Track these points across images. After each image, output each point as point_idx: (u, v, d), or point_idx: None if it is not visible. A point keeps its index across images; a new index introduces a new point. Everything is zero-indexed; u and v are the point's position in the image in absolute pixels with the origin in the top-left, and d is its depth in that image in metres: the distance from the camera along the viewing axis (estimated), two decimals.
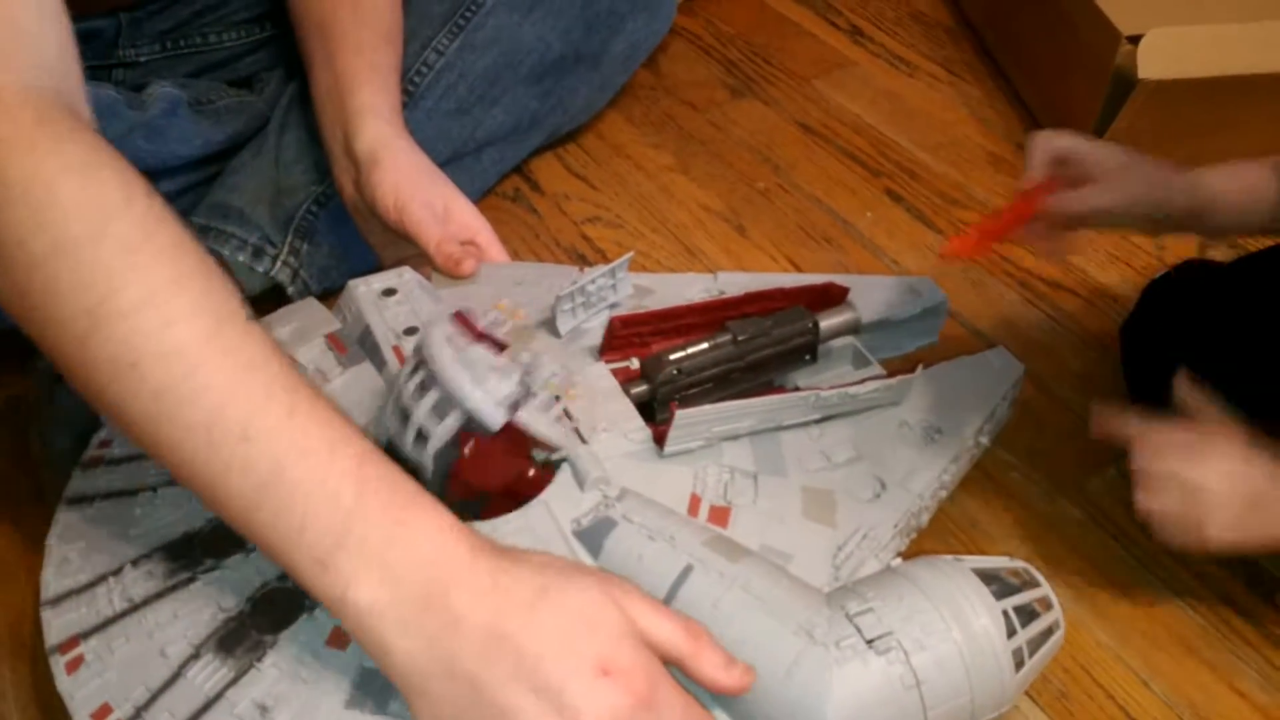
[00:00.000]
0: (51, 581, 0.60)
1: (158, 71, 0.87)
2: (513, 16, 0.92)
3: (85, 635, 0.57)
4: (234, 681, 0.53)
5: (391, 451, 0.57)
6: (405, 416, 0.58)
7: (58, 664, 0.56)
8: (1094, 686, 0.65)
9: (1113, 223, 0.72)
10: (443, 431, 0.57)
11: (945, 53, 1.20)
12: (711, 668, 0.51)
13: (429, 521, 0.50)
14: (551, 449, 0.60)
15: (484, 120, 0.92)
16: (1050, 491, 0.75)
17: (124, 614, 0.57)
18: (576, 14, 0.96)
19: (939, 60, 1.19)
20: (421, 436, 0.57)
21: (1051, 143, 0.70)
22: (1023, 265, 0.93)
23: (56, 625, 0.58)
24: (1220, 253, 0.91)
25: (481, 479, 0.58)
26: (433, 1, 0.91)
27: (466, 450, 0.57)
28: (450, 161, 0.91)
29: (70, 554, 0.61)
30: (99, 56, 0.85)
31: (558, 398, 0.62)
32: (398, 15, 0.83)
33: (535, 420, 0.59)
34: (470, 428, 0.57)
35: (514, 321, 0.70)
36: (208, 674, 0.54)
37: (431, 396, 0.57)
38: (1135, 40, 0.93)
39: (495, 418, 0.57)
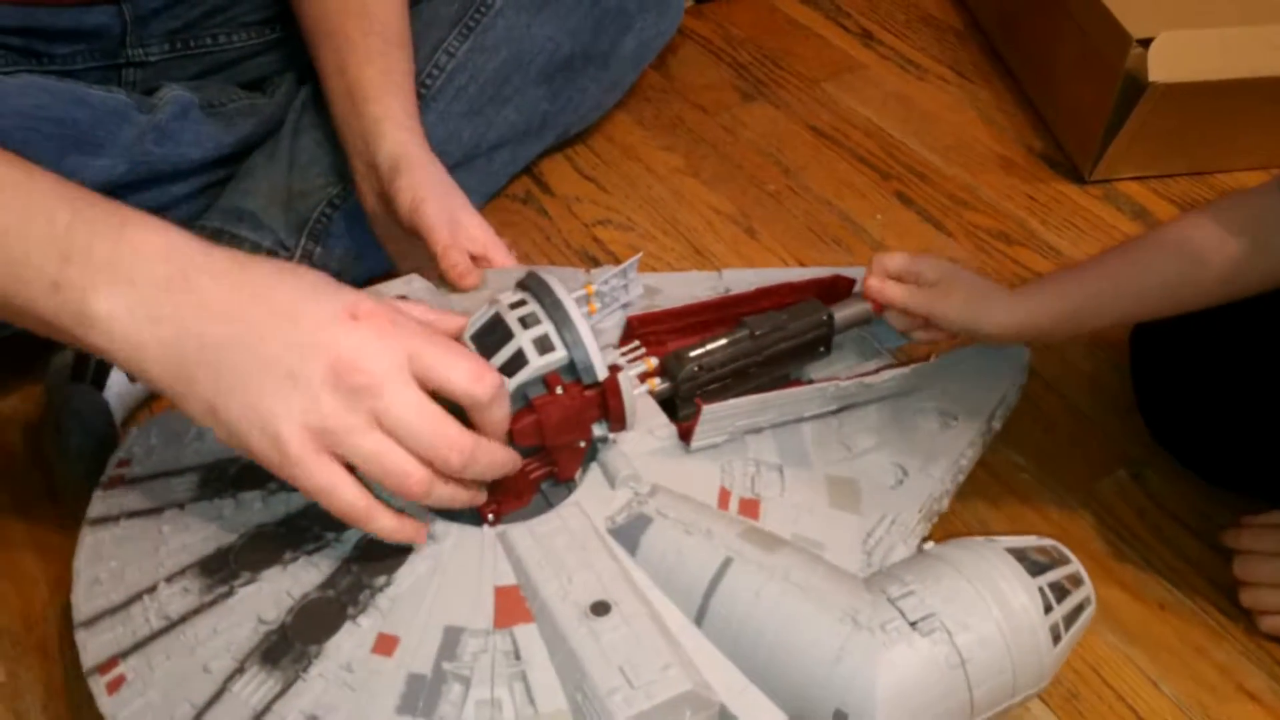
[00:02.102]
0: (83, 603, 0.59)
1: (168, 72, 0.88)
2: (522, 17, 0.92)
3: (124, 655, 0.56)
4: (281, 694, 0.53)
5: None
6: (500, 339, 0.58)
7: (98, 685, 0.56)
8: (1104, 687, 0.65)
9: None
10: (542, 363, 0.57)
11: (955, 55, 1.20)
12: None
13: (153, 223, 0.51)
14: (619, 424, 0.61)
15: (495, 121, 0.93)
16: (1060, 494, 0.75)
17: (163, 631, 0.57)
18: (585, 13, 0.96)
19: (949, 63, 1.18)
20: (518, 360, 0.57)
21: (884, 265, 0.71)
22: (1033, 268, 0.93)
23: (93, 646, 0.57)
24: None
25: (551, 427, 0.58)
26: (442, 3, 0.91)
27: (551, 392, 0.58)
28: (463, 163, 0.91)
29: (100, 574, 0.60)
30: (109, 56, 0.85)
31: (641, 377, 0.65)
32: (405, 20, 0.83)
33: (628, 386, 0.60)
34: (565, 373, 0.58)
35: None
36: (254, 687, 0.54)
37: (540, 329, 0.58)
38: (1145, 43, 0.93)
39: (601, 369, 0.59)
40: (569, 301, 0.59)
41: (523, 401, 0.58)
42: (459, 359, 0.53)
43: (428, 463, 0.52)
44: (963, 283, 0.70)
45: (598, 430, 0.61)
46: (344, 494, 0.51)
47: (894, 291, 0.71)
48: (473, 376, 0.52)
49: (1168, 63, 0.92)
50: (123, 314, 0.49)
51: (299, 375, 0.49)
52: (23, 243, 0.49)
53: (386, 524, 0.53)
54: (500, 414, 0.54)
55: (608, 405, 0.59)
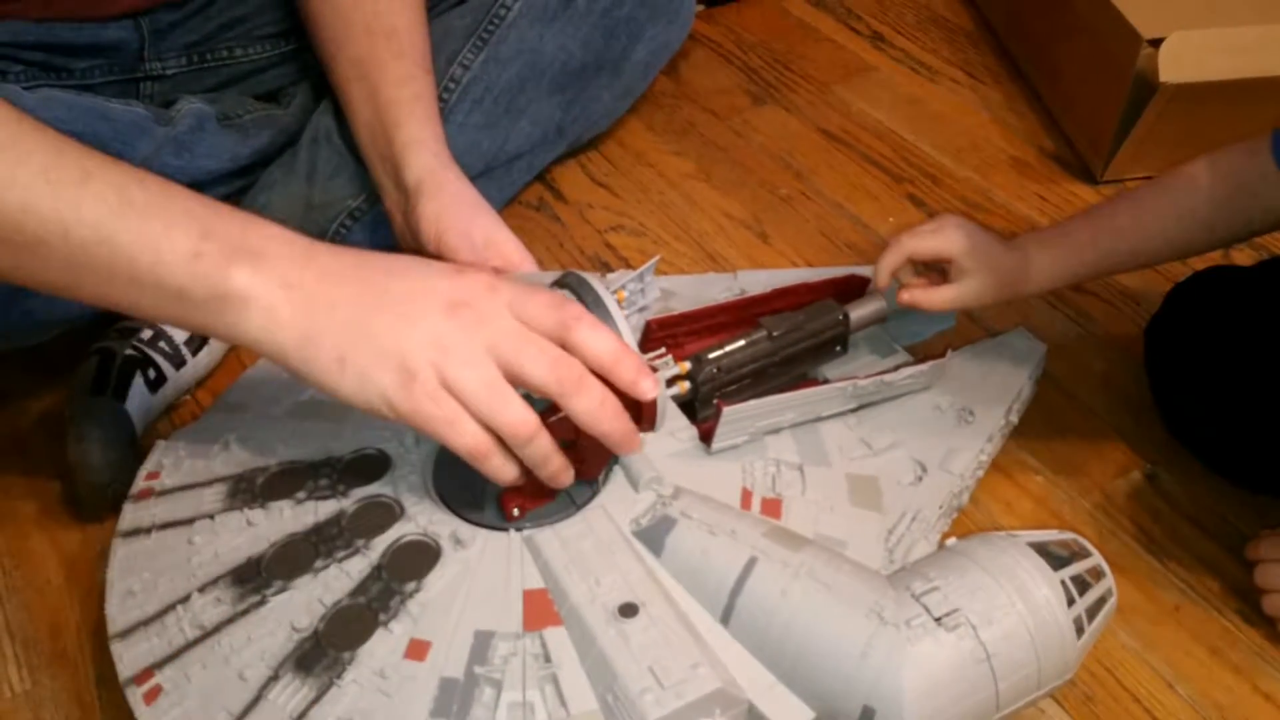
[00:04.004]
0: (117, 615, 0.60)
1: (185, 85, 0.88)
2: (534, 28, 0.93)
3: (159, 665, 0.57)
4: (316, 700, 0.54)
5: None
6: None
7: (135, 696, 0.56)
8: (1119, 689, 0.65)
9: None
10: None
11: (966, 57, 1.20)
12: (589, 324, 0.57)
13: (269, 219, 0.57)
14: (649, 425, 0.61)
15: (512, 132, 0.93)
16: (1073, 495, 0.76)
17: (197, 641, 0.57)
18: (596, 22, 0.97)
19: (960, 64, 1.19)
20: None
21: (904, 250, 0.73)
22: None
23: (129, 658, 0.58)
24: (1244, 256, 0.91)
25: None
26: (455, 16, 0.92)
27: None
28: (482, 175, 0.92)
29: (133, 586, 0.61)
30: (127, 70, 0.86)
31: (671, 381, 0.66)
32: (428, 42, 0.84)
33: (662, 387, 0.60)
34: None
35: None
36: (289, 695, 0.54)
37: None
38: (1156, 44, 0.93)
39: None
40: (610, 299, 0.59)
41: None
42: (547, 299, 0.57)
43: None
44: (981, 260, 0.71)
45: None
46: (467, 426, 0.54)
47: (935, 299, 0.72)
48: (557, 313, 0.56)
49: (1178, 63, 0.93)
50: (259, 283, 0.54)
51: (417, 314, 0.55)
52: (166, 221, 0.54)
53: (498, 464, 0.56)
54: (588, 341, 0.56)
55: (640, 405, 0.60)
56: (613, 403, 0.56)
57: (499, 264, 0.73)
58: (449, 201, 0.75)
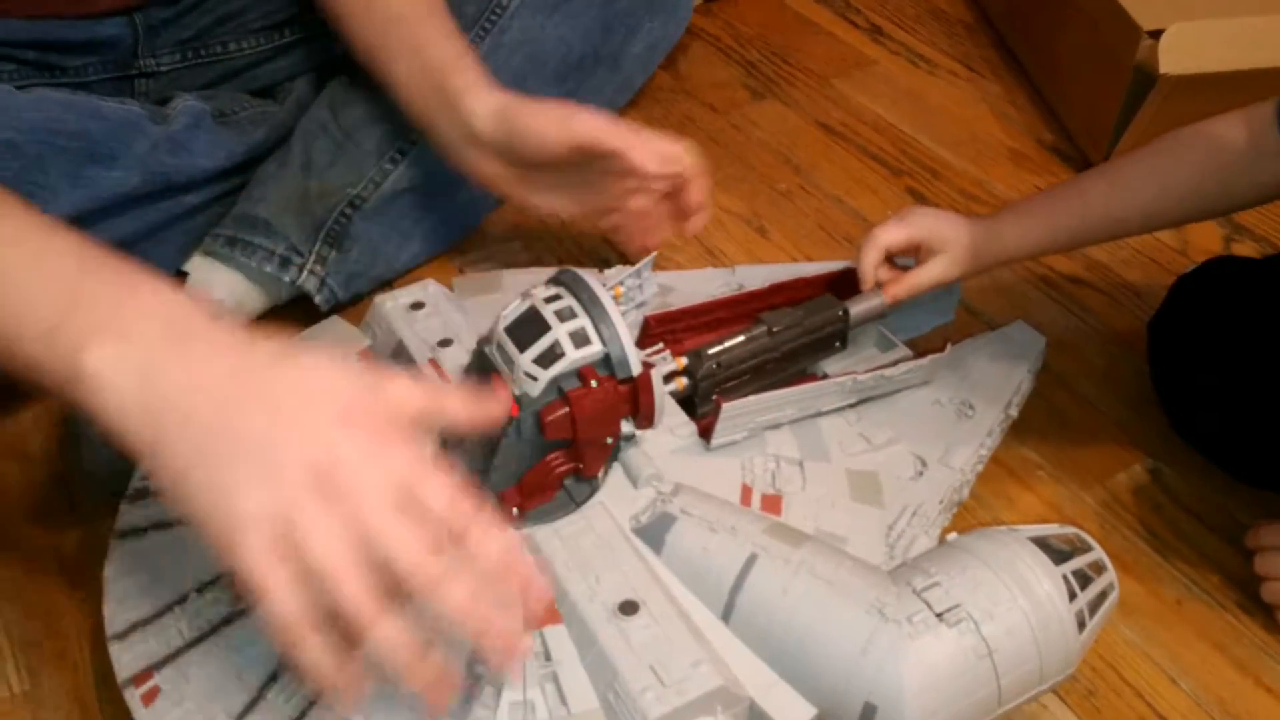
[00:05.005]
0: (115, 616, 0.60)
1: (179, 82, 0.88)
2: (536, 18, 0.92)
3: (158, 666, 0.57)
4: (316, 700, 0.54)
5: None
6: (536, 332, 0.58)
7: (133, 697, 0.56)
8: (1122, 684, 0.65)
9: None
10: (579, 356, 0.58)
11: (965, 50, 1.20)
12: (455, 407, 0.52)
13: (160, 287, 0.50)
14: (646, 422, 0.61)
15: None
16: (1075, 489, 0.76)
17: (195, 641, 0.57)
18: (595, 15, 0.96)
19: (959, 57, 1.19)
20: (552, 354, 0.58)
21: (878, 243, 0.75)
22: (1044, 261, 0.93)
23: (126, 659, 0.58)
24: (1247, 248, 0.91)
25: (584, 420, 0.59)
26: (458, 4, 0.91)
27: (585, 385, 0.58)
28: None
29: (130, 586, 0.61)
30: (121, 67, 0.85)
31: (668, 377, 0.66)
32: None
33: (658, 383, 0.61)
34: (600, 367, 0.59)
35: None
36: (288, 695, 0.54)
37: (576, 323, 0.58)
38: (1156, 35, 0.93)
39: (636, 364, 0.59)
40: (606, 297, 0.59)
41: (556, 394, 0.58)
42: (439, 485, 0.48)
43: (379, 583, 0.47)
44: (948, 236, 0.74)
45: (625, 427, 0.61)
46: (282, 599, 0.46)
47: (911, 283, 0.74)
48: (447, 505, 0.48)
49: (1178, 55, 0.92)
50: (114, 368, 0.48)
51: (276, 466, 0.47)
52: (29, 287, 0.49)
53: (313, 653, 0.46)
54: (482, 546, 0.48)
55: (638, 401, 0.60)
56: (487, 602, 0.48)
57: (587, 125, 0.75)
58: (538, 103, 0.76)
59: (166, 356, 0.48)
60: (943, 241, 0.74)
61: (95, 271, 0.50)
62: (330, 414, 0.48)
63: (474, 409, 0.53)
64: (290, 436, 0.47)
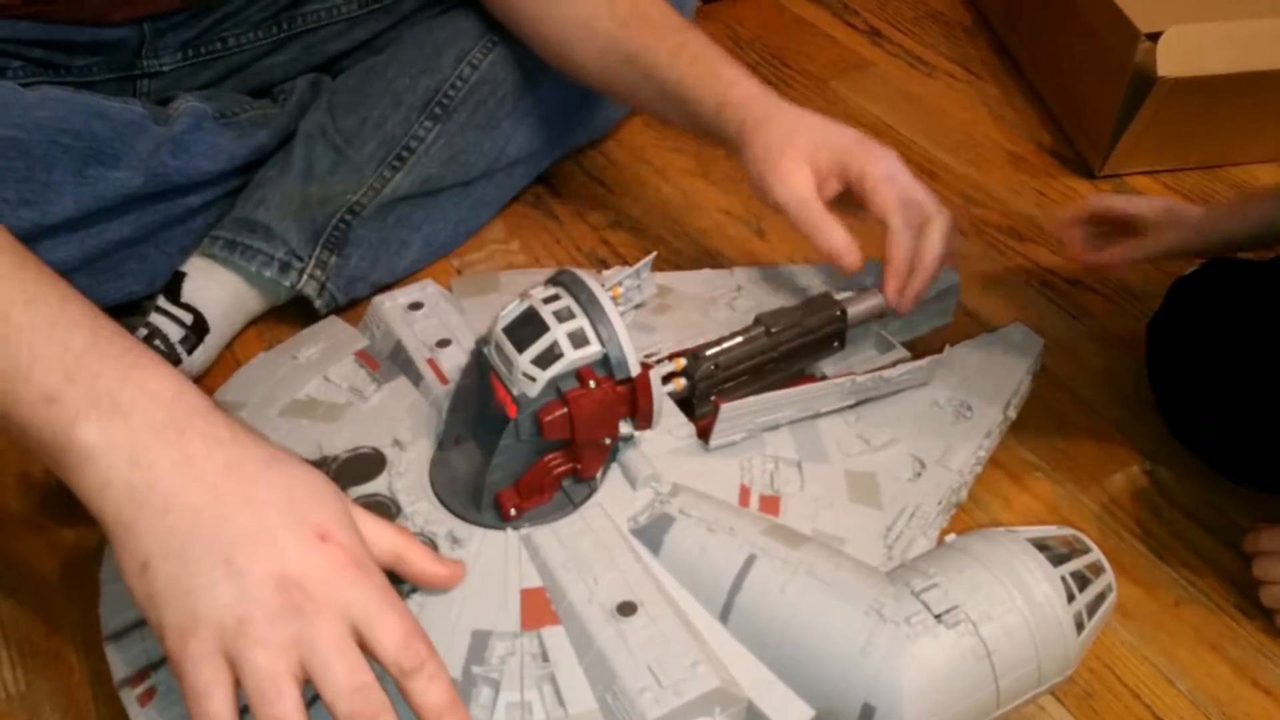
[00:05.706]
0: (110, 617, 0.60)
1: (181, 81, 0.88)
2: None
3: (154, 667, 0.57)
4: (314, 701, 0.52)
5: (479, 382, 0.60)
6: (534, 332, 0.58)
7: (129, 698, 0.56)
8: (1119, 686, 0.65)
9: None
10: (577, 357, 0.58)
11: (963, 52, 1.20)
12: (422, 560, 0.54)
13: (165, 371, 0.50)
14: (645, 423, 0.61)
15: (514, 135, 0.93)
16: (1073, 491, 0.76)
17: None
18: None
19: (957, 60, 1.19)
20: (552, 353, 0.58)
21: (1103, 201, 0.82)
22: (1042, 264, 0.93)
23: (122, 660, 0.57)
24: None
25: (582, 420, 0.59)
26: (465, 15, 0.91)
27: (584, 386, 0.58)
28: (483, 176, 0.92)
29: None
30: (124, 68, 0.86)
31: (666, 378, 0.66)
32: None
33: (657, 384, 0.61)
34: (598, 368, 0.59)
35: None
36: None
37: (575, 324, 0.58)
38: (1154, 38, 0.93)
39: (635, 365, 0.59)
40: (604, 297, 0.59)
41: (555, 394, 0.58)
42: (399, 622, 0.49)
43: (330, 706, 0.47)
44: (1180, 211, 0.79)
45: (624, 428, 0.61)
46: (213, 704, 0.46)
47: (1129, 251, 0.80)
48: (402, 643, 0.49)
49: (1176, 57, 0.92)
50: (105, 447, 0.48)
51: (241, 571, 0.47)
52: (36, 351, 0.49)
53: None
54: (424, 691, 0.49)
55: (636, 402, 0.60)
56: None
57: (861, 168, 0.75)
58: (760, 150, 0.76)
59: (161, 441, 0.48)
60: (1170, 213, 0.79)
61: (104, 346, 0.50)
62: (310, 531, 0.49)
63: (437, 569, 0.55)
64: (268, 545, 0.48)
